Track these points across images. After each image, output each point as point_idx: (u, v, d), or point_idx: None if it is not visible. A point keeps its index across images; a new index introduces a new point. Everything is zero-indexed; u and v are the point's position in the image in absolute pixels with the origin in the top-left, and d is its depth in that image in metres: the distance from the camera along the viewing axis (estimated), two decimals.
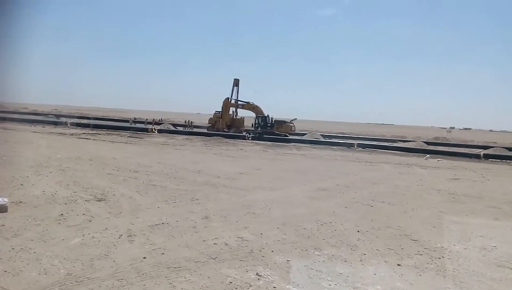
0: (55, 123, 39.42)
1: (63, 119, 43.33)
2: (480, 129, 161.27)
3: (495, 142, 44.31)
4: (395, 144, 35.64)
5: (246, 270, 5.57)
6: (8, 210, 7.71)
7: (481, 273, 5.94)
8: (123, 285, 4.89)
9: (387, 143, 37.51)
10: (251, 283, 5.17)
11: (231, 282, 5.15)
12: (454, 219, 9.44)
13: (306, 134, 40.72)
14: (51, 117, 47.69)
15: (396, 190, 13.06)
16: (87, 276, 5.08)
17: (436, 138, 50.05)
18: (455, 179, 16.37)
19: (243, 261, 5.93)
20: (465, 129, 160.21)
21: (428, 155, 26.98)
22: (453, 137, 53.23)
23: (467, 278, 5.73)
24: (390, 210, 9.96)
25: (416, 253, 6.74)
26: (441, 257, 6.60)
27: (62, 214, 7.81)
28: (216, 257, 6.01)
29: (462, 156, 28.08)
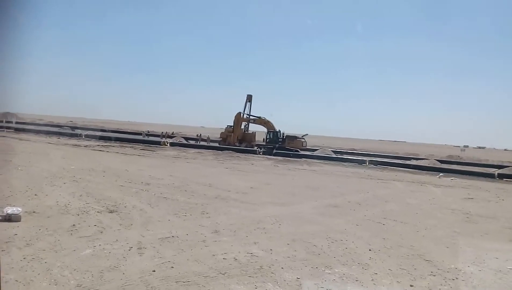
0: (70, 135, 40.05)
1: (78, 131, 44.05)
2: (494, 148, 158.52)
3: (510, 161, 43.46)
4: (407, 162, 35.23)
5: (255, 287, 5.50)
6: (22, 219, 7.80)
7: None
8: None
9: (399, 160, 37.11)
10: None
11: None
12: (468, 239, 9.22)
13: (317, 149, 40.59)
14: (66, 129, 48.55)
15: (408, 208, 12.85)
16: (96, 288, 5.07)
17: (449, 156, 49.34)
18: (469, 198, 16.05)
19: (253, 277, 5.86)
20: (479, 147, 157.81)
21: (441, 174, 26.59)
22: (467, 156, 52.48)
23: None
24: (403, 229, 9.79)
25: (429, 273, 6.58)
26: (455, 278, 6.43)
27: (74, 225, 7.87)
28: (225, 272, 5.95)
29: (476, 175, 27.58)
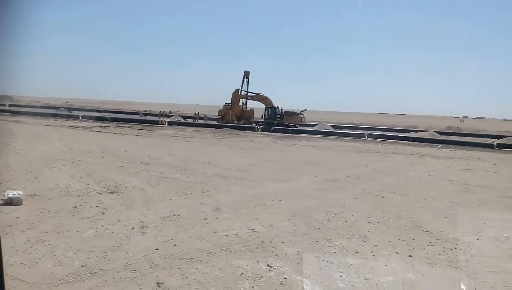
0: (67, 116, 39.86)
1: (75, 112, 43.79)
2: (493, 118, 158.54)
3: (509, 131, 43.46)
4: (406, 134, 35.28)
5: (257, 261, 5.61)
6: (23, 203, 7.87)
7: (494, 264, 5.89)
8: (136, 276, 4.97)
9: (398, 133, 37.15)
10: (262, 274, 5.21)
11: (242, 273, 5.20)
12: (467, 209, 9.35)
13: (316, 125, 40.50)
14: (63, 110, 48.24)
15: (407, 181, 12.97)
16: (100, 268, 5.17)
17: (448, 127, 49.36)
18: (468, 169, 16.18)
19: (254, 252, 5.97)
20: (478, 118, 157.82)
21: (440, 145, 26.69)
22: (466, 127, 52.49)
23: (480, 269, 5.69)
24: (402, 201, 9.91)
25: (428, 244, 6.71)
26: (453, 248, 6.56)
27: (75, 207, 7.94)
28: (227, 249, 6.06)
29: (475, 145, 27.62)
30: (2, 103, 47.24)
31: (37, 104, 61.60)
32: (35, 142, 17.85)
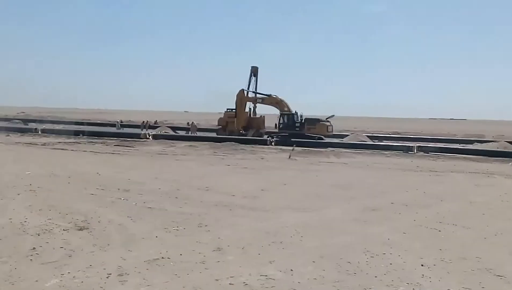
0: (23, 130, 40.39)
1: (33, 125, 44.41)
2: None
3: None
4: (469, 146, 35.01)
5: None
6: None
7: None
8: None
9: (458, 145, 36.91)
10: None
11: None
12: None
13: (347, 135, 40.54)
14: (17, 122, 48.99)
15: (472, 208, 12.83)
16: None
17: None
18: None
19: None
20: None
21: None
22: None
23: None
24: (465, 236, 9.79)
25: None
26: None
27: (34, 248, 7.99)
28: None
29: None
30: None
31: None
32: None
